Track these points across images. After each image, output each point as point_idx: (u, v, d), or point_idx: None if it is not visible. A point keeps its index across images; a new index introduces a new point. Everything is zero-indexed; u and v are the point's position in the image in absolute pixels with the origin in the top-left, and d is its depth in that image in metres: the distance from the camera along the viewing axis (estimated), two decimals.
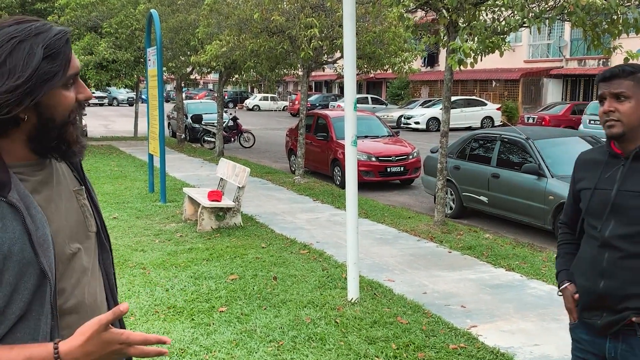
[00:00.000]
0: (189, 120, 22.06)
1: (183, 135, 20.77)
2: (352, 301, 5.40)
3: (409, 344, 4.52)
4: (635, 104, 2.15)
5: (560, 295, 2.47)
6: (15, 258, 1.28)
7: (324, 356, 4.31)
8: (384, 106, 35.79)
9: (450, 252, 7.31)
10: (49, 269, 1.32)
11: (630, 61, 7.08)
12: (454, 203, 10.00)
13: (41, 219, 1.34)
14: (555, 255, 2.59)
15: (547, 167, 8.33)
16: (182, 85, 21.60)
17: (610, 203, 2.19)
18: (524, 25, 7.13)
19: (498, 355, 4.40)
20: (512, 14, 7.32)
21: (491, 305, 5.51)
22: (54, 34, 1.33)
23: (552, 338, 4.79)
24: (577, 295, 2.34)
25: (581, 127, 20.92)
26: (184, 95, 23.21)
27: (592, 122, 20.89)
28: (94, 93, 40.46)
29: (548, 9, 7.25)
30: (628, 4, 7.06)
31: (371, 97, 37.59)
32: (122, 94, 53.16)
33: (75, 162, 1.56)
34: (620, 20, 6.98)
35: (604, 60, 28.61)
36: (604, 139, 2.36)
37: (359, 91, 39.40)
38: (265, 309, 5.25)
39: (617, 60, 26.89)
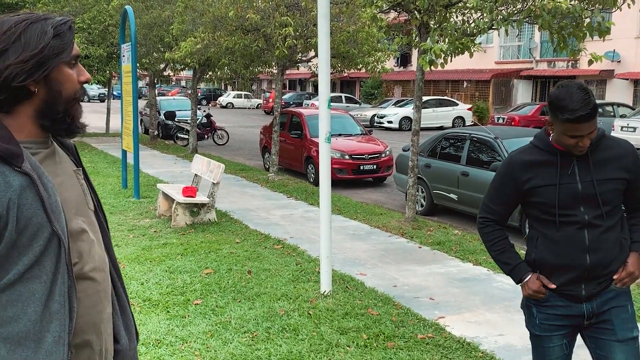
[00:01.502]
0: (162, 116, 21.96)
1: (156, 132, 20.68)
2: (325, 294, 5.55)
3: (379, 334, 4.68)
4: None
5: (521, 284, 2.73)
6: (30, 222, 1.42)
7: (297, 346, 4.44)
8: (358, 105, 36.05)
9: (420, 248, 7.50)
10: (61, 232, 1.45)
11: (594, 63, 7.36)
12: (425, 200, 10.21)
13: (52, 187, 1.47)
14: (498, 251, 2.76)
15: None
16: (155, 81, 21.51)
17: (581, 193, 2.53)
18: (493, 27, 7.35)
19: (464, 345, 4.58)
20: (481, 17, 7.53)
21: (459, 298, 5.70)
22: (59, 19, 1.53)
23: (516, 329, 4.98)
24: (552, 285, 2.63)
25: None
26: (156, 91, 23.09)
27: None
28: None
29: (516, 11, 7.48)
30: (592, 8, 7.32)
31: (345, 96, 37.81)
32: (94, 89, 52.49)
33: (70, 147, 1.70)
34: (585, 24, 7.24)
35: (573, 62, 29.24)
36: None
37: (333, 90, 39.59)
38: (239, 301, 5.36)
39: (584, 61, 27.40)
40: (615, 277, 2.58)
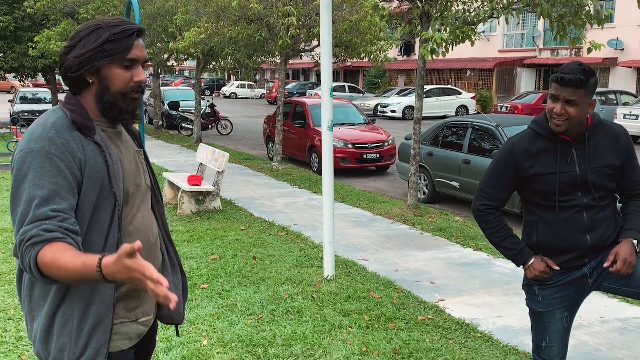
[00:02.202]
0: (166, 107, 22.08)
1: (160, 122, 20.81)
2: (328, 278, 5.69)
3: (380, 316, 4.82)
4: (581, 108, 2.59)
5: (524, 267, 2.84)
6: (97, 181, 1.78)
7: (300, 327, 4.59)
8: (361, 94, 36.06)
9: (421, 234, 7.63)
10: (118, 194, 1.82)
11: (593, 51, 7.45)
12: (427, 188, 10.33)
13: (116, 157, 1.84)
14: (501, 237, 2.85)
15: None
16: (159, 71, 21.62)
17: (580, 179, 2.68)
18: (493, 15, 7.43)
19: (463, 325, 4.72)
20: (481, 5, 7.61)
21: (458, 282, 5.83)
22: (122, 28, 1.84)
23: (514, 310, 5.11)
24: (556, 267, 2.78)
25: None
26: (160, 82, 23.20)
27: None
28: None
29: (516, 0, 7.55)
30: None
31: (348, 86, 37.81)
32: None
33: (134, 132, 2.03)
34: (584, 12, 7.31)
35: (576, 50, 29.20)
36: None
37: (336, 79, 39.59)
38: (245, 285, 5.51)
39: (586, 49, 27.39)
40: (605, 265, 2.66)
